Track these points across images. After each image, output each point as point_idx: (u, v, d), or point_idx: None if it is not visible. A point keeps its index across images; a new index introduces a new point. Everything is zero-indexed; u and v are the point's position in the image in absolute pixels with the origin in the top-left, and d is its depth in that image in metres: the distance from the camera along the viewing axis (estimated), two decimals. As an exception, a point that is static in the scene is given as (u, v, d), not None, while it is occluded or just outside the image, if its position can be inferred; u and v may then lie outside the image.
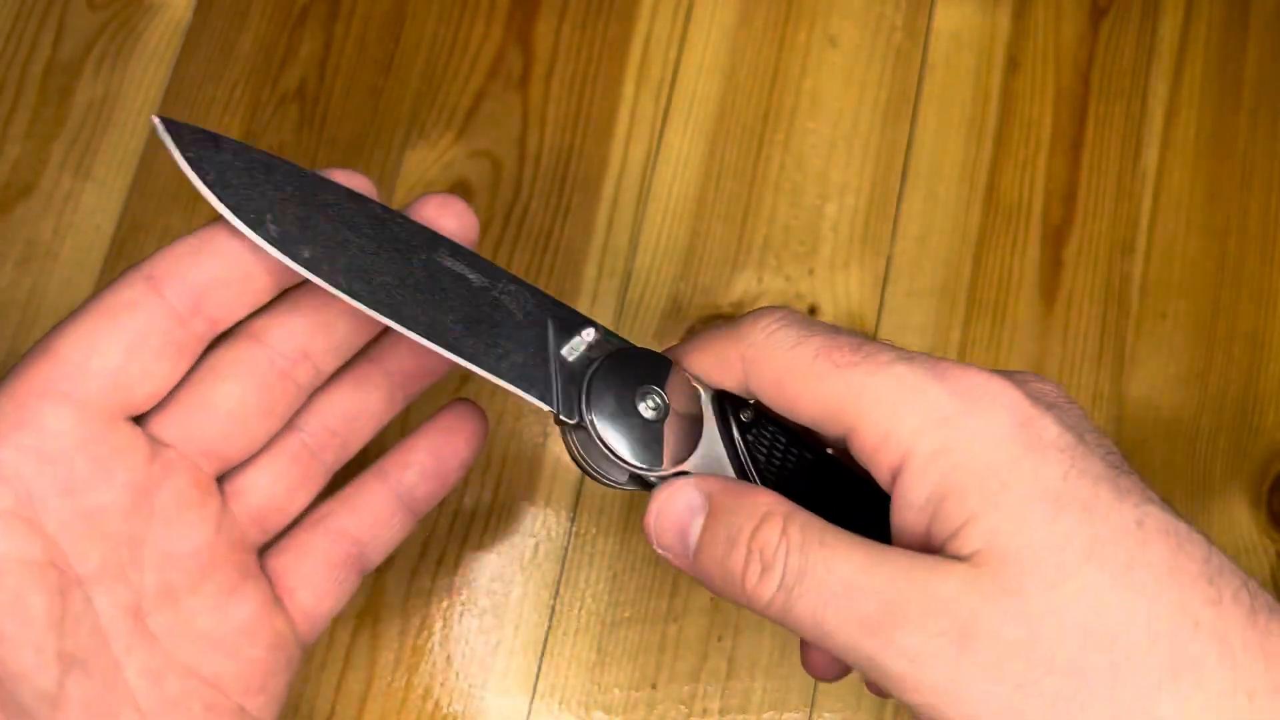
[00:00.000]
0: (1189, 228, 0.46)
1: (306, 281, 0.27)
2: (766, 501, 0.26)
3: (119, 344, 0.26)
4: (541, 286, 0.44)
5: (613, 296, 0.44)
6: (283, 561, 0.30)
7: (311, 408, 0.30)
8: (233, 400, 0.27)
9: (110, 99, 0.45)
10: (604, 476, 0.29)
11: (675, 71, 0.47)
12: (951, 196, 0.46)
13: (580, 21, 0.47)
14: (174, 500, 0.27)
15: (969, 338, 0.45)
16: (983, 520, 0.24)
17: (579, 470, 0.30)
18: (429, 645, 0.41)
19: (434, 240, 0.29)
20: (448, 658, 0.41)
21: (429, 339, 0.27)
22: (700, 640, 0.41)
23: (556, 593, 0.41)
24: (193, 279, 0.26)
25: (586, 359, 0.28)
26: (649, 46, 0.47)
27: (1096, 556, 0.23)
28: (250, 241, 0.26)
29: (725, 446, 0.28)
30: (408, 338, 0.27)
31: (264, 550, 0.30)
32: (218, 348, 0.28)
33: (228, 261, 0.27)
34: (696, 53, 0.47)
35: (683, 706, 0.41)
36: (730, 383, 0.28)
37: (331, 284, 0.26)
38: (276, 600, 0.29)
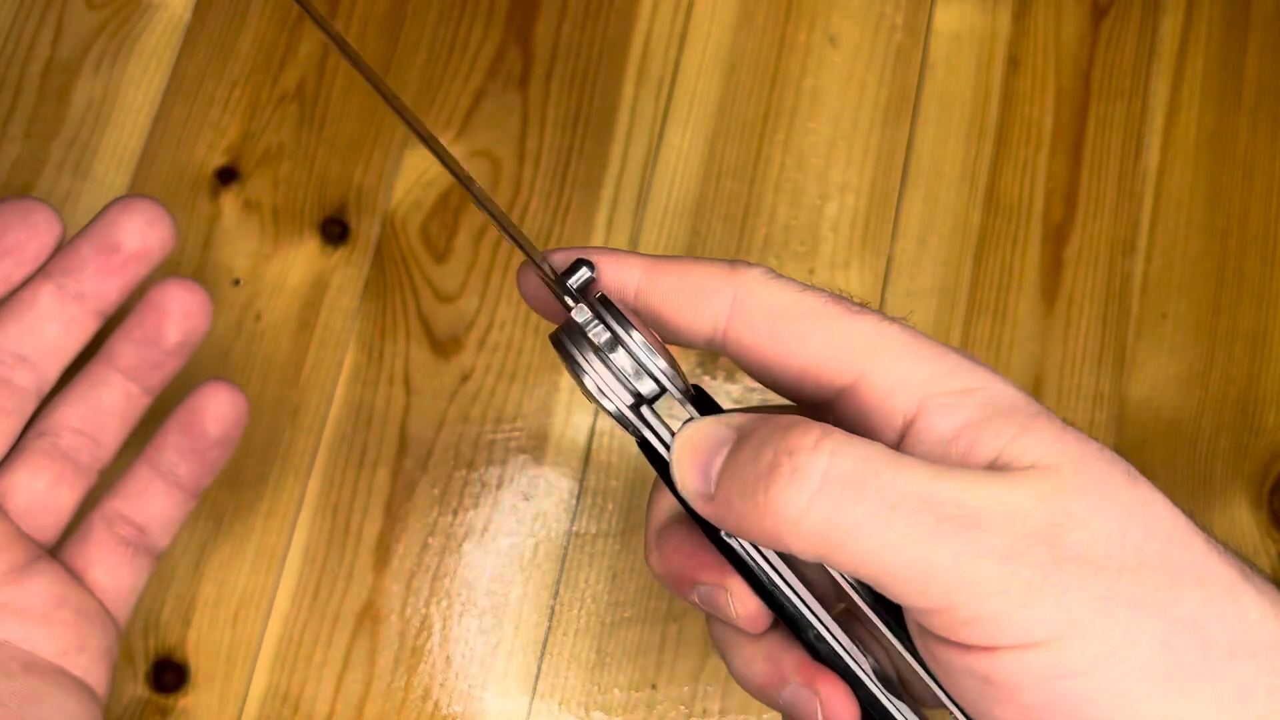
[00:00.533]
0: (1190, 227, 0.46)
1: (15, 292, 0.30)
2: (802, 418, 0.23)
3: None
4: (541, 286, 0.44)
5: (613, 296, 0.44)
6: (73, 547, 0.32)
7: (52, 411, 0.32)
8: None
9: (109, 98, 0.45)
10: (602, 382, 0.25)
11: (675, 71, 0.46)
12: (952, 196, 0.46)
13: (580, 21, 0.47)
14: None
15: (969, 337, 0.45)
16: (1039, 432, 0.22)
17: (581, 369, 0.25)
18: (428, 646, 0.41)
19: None
20: (447, 658, 0.41)
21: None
22: (700, 640, 0.41)
23: (556, 593, 0.41)
24: None
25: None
26: (649, 46, 0.47)
27: (1136, 476, 0.22)
28: None
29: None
30: (135, 330, 0.31)
31: (64, 538, 0.32)
32: None
33: None
34: (696, 52, 0.47)
35: (683, 707, 0.40)
36: (702, 321, 0.25)
37: None
38: (74, 578, 0.32)
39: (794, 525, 0.21)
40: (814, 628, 0.25)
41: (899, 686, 0.25)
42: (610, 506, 0.42)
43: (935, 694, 0.24)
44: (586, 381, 0.25)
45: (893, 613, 0.25)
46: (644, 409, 0.25)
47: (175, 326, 0.33)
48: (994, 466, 0.22)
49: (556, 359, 0.43)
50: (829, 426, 0.22)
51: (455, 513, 0.42)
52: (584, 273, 0.25)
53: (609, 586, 0.41)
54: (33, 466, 0.32)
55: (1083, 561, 0.21)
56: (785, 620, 0.25)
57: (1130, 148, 0.47)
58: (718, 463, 0.23)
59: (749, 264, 0.25)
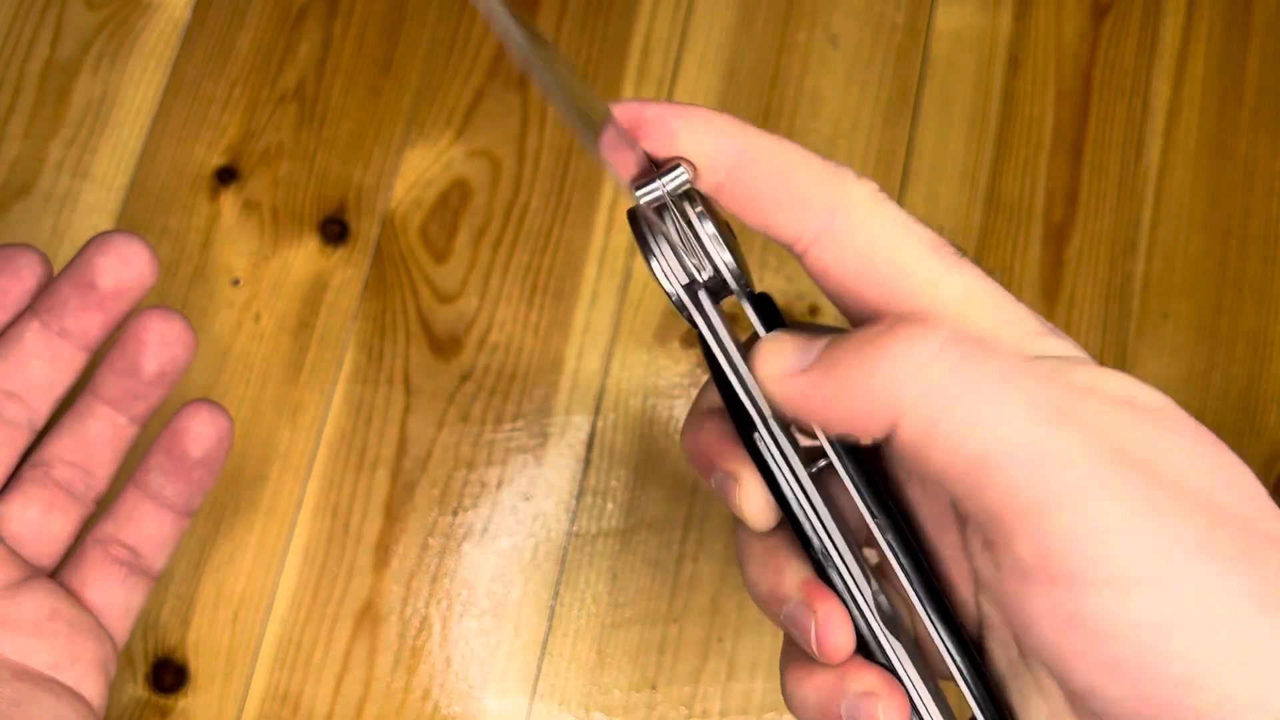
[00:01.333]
0: (1191, 227, 0.46)
1: (3, 332, 0.32)
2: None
3: None
4: (541, 286, 0.44)
5: (613, 296, 0.44)
6: (69, 570, 0.33)
7: (45, 444, 0.33)
8: None
9: (109, 98, 0.45)
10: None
11: (675, 71, 0.46)
12: (952, 196, 0.46)
13: (580, 21, 0.47)
14: None
15: (970, 338, 0.44)
16: (1134, 385, 0.21)
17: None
18: (428, 646, 0.41)
19: None
20: (447, 659, 0.40)
21: None
22: (700, 642, 0.41)
23: (556, 593, 0.41)
24: None
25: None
26: (649, 45, 0.47)
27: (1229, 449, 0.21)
28: None
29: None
30: (119, 363, 0.33)
31: (64, 563, 0.34)
32: None
33: None
34: (697, 51, 0.47)
35: (683, 708, 0.40)
36: (788, 226, 0.24)
37: None
38: (69, 594, 0.33)
39: (911, 380, 0.20)
40: (822, 544, 0.24)
41: (898, 625, 0.24)
42: (610, 506, 0.42)
43: (946, 663, 0.23)
44: (651, 263, 0.24)
45: (924, 580, 0.24)
46: (703, 297, 0.24)
47: (153, 358, 0.33)
48: None
49: (556, 358, 0.43)
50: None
51: (455, 513, 0.42)
52: (679, 173, 0.24)
53: (609, 587, 0.41)
54: (26, 496, 0.33)
55: (1181, 500, 0.20)
56: (796, 532, 0.24)
57: (1131, 148, 0.47)
58: (814, 350, 0.22)
59: (859, 176, 0.23)
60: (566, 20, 0.47)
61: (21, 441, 0.33)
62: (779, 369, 0.22)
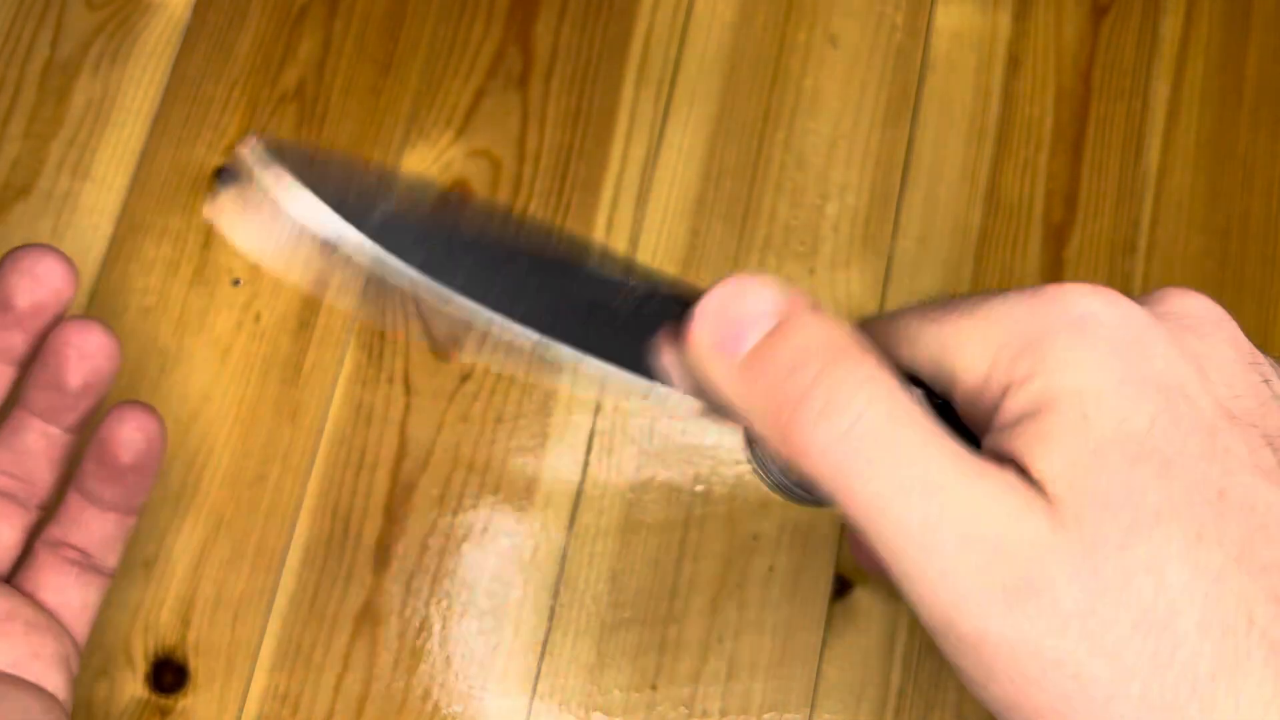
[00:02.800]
0: (1190, 228, 0.46)
1: None
2: (853, 343, 0.22)
3: None
4: (541, 286, 0.44)
5: (612, 296, 0.44)
6: (23, 574, 0.34)
7: None
8: None
9: (109, 98, 0.45)
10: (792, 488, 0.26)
11: (675, 70, 0.46)
12: (952, 196, 0.46)
13: (580, 20, 0.47)
14: None
15: (970, 338, 0.44)
16: (1060, 453, 0.21)
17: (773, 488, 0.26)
18: (428, 647, 0.41)
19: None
20: (447, 659, 0.41)
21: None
22: (700, 642, 0.41)
23: (556, 594, 0.41)
24: None
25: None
26: (649, 45, 0.47)
27: (1167, 520, 0.20)
28: None
29: None
30: (44, 376, 0.33)
31: (16, 568, 0.35)
32: None
33: None
34: (697, 51, 0.47)
35: (683, 708, 0.40)
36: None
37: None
38: (24, 596, 0.33)
39: (808, 448, 0.21)
40: None
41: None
42: (610, 506, 0.42)
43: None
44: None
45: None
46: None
47: (75, 371, 0.33)
48: (1029, 472, 0.21)
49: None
50: (875, 367, 0.22)
51: (455, 513, 0.42)
52: None
53: (609, 587, 0.41)
54: None
55: (1051, 617, 0.20)
56: None
57: (1130, 148, 0.47)
58: (750, 335, 0.23)
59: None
60: (566, 20, 0.47)
61: None
62: (706, 349, 0.23)
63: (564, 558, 0.42)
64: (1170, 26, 0.48)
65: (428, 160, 0.45)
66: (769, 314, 0.23)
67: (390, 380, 0.43)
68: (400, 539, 0.41)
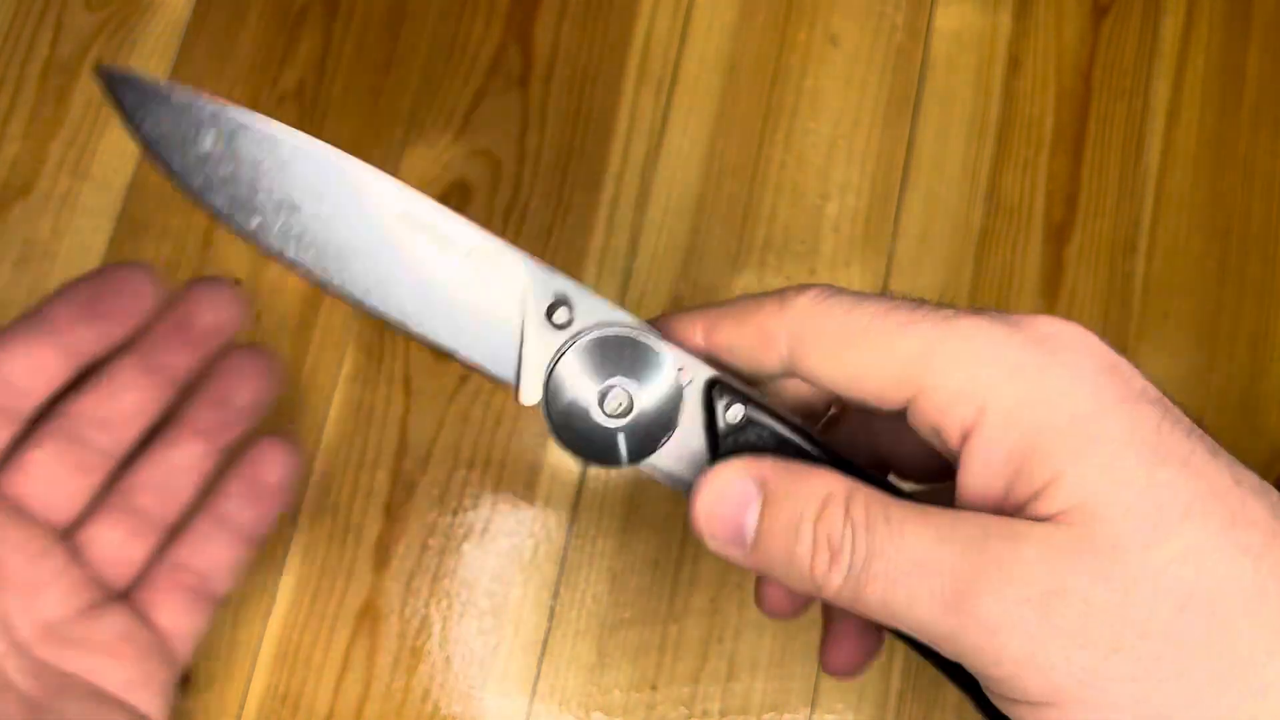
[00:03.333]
0: (1191, 227, 0.46)
1: (101, 364, 0.32)
2: (825, 481, 0.25)
3: None
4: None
5: (613, 297, 0.44)
6: (141, 594, 0.34)
7: (134, 469, 0.34)
8: (42, 464, 0.32)
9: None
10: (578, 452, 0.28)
11: (675, 70, 0.46)
12: (952, 196, 0.46)
13: (580, 21, 0.47)
14: (15, 550, 0.32)
15: (970, 338, 0.44)
16: (1071, 476, 0.22)
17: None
18: (428, 647, 0.41)
19: (409, 202, 0.28)
20: (447, 659, 0.40)
21: (371, 300, 0.28)
22: (700, 641, 0.41)
23: (556, 593, 0.41)
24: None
25: (562, 338, 0.27)
26: (649, 45, 0.47)
27: (1197, 514, 0.21)
28: (39, 337, 0.31)
29: (708, 441, 0.27)
30: (208, 397, 0.33)
31: (135, 584, 0.35)
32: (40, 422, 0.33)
33: (18, 354, 0.31)
34: (697, 51, 0.47)
35: (683, 708, 0.40)
36: (768, 359, 0.26)
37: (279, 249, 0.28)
38: (141, 619, 0.34)
39: (836, 597, 0.24)
40: None
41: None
42: (610, 507, 0.42)
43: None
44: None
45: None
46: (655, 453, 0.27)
47: (244, 390, 0.34)
48: (1031, 506, 0.23)
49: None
50: (852, 489, 0.24)
51: (455, 513, 0.42)
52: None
53: (609, 587, 0.41)
54: (109, 521, 0.34)
55: (1070, 635, 0.22)
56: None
57: (1131, 147, 0.47)
58: (749, 523, 0.25)
59: (801, 289, 0.26)
60: (566, 20, 0.47)
61: (111, 468, 0.34)
62: (721, 549, 0.26)
63: (564, 558, 0.41)
64: (1170, 26, 0.48)
65: (428, 160, 0.45)
66: (752, 494, 0.25)
67: (390, 380, 0.43)
68: (400, 538, 0.41)
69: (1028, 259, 0.45)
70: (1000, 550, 0.22)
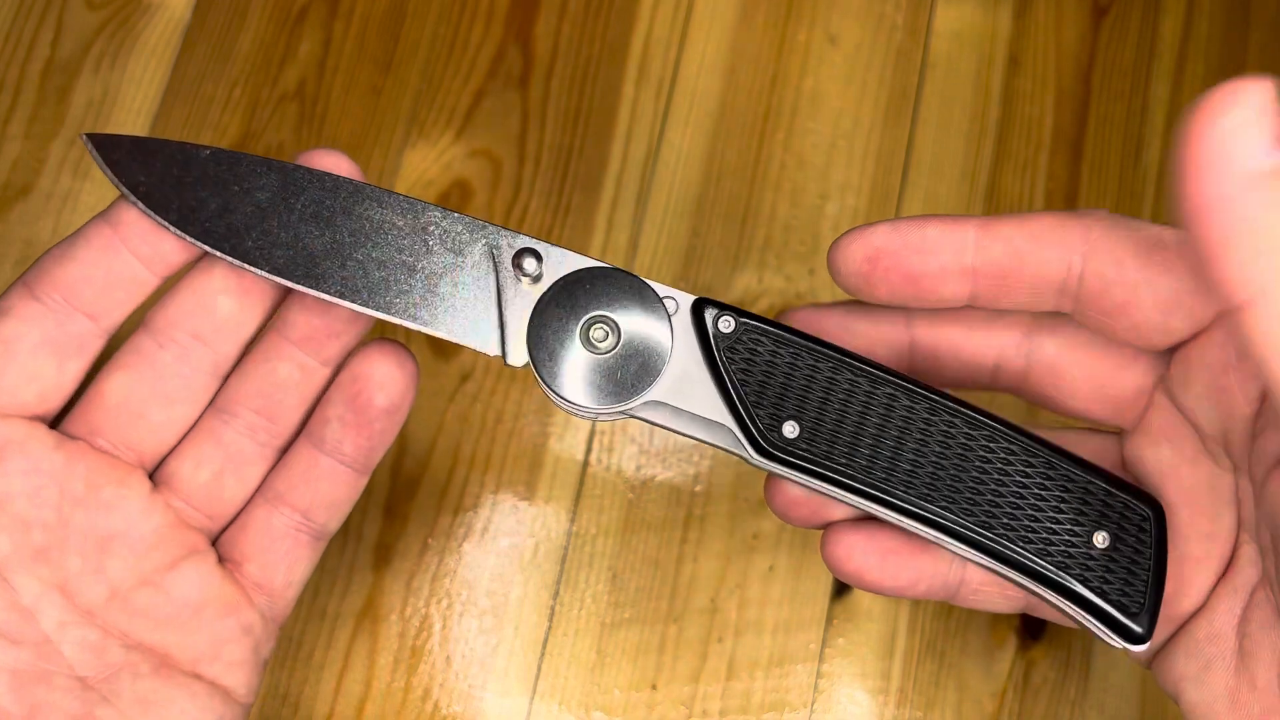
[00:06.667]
0: (1190, 227, 0.46)
1: (192, 266, 0.28)
2: None
3: None
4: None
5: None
6: (232, 537, 0.30)
7: (227, 390, 0.29)
8: (123, 392, 0.28)
9: (109, 98, 0.45)
10: (579, 410, 0.27)
11: (675, 70, 0.46)
12: (952, 196, 0.46)
13: (580, 21, 0.47)
14: (88, 488, 0.28)
15: (970, 338, 0.44)
16: None
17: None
18: (428, 646, 0.41)
19: (354, 191, 0.28)
20: (447, 658, 0.40)
21: (345, 298, 0.27)
22: (700, 641, 0.41)
23: (556, 593, 0.41)
24: (62, 280, 0.27)
25: (534, 291, 0.27)
26: (649, 46, 0.47)
27: None
28: (119, 237, 0.27)
29: (705, 362, 0.26)
30: (309, 299, 0.28)
31: (226, 529, 0.30)
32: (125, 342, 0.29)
33: (94, 260, 0.27)
34: (697, 52, 0.47)
35: (683, 707, 0.40)
36: (1051, 266, 0.26)
37: (232, 254, 0.27)
38: (227, 574, 0.30)
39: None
40: None
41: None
42: (610, 506, 0.42)
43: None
44: None
45: None
46: None
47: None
48: None
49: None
50: None
51: (455, 513, 0.42)
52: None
53: (609, 587, 0.41)
54: (200, 453, 0.29)
55: None
56: None
57: (1130, 147, 0.47)
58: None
59: (1089, 209, 0.26)
60: (566, 20, 0.47)
61: (205, 392, 0.29)
62: None
63: (564, 557, 0.42)
64: (1170, 27, 0.48)
65: (428, 160, 0.45)
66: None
67: (390, 380, 0.43)
68: (401, 538, 0.41)
69: (1027, 259, 0.45)
70: None
